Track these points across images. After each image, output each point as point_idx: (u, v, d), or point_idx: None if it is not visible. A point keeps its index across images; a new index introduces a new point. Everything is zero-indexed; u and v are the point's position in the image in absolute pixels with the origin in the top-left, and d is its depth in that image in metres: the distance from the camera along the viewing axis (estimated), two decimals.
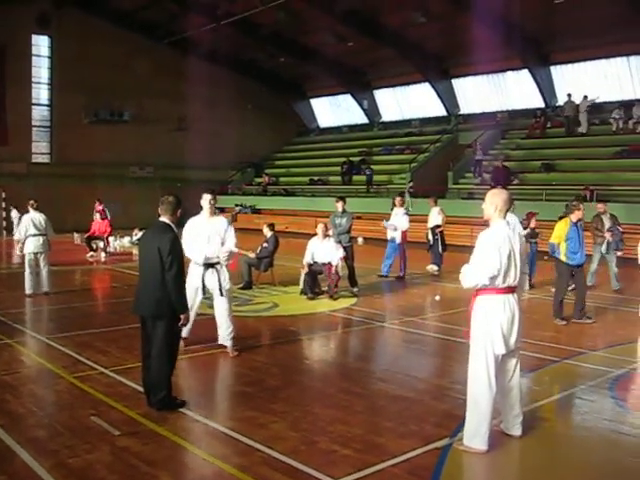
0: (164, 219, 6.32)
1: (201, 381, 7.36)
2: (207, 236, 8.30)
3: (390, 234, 15.60)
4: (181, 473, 5.03)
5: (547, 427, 5.89)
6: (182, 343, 8.34)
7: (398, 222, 15.38)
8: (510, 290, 5.28)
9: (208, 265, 8.27)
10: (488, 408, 5.24)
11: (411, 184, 27.13)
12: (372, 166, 32.17)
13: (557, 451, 5.44)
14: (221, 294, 8.30)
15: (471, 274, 5.22)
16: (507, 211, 5.38)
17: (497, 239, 5.19)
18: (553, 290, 13.58)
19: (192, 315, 8.02)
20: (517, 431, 5.52)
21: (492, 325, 5.23)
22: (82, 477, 4.80)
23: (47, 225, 12.90)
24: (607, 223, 13.90)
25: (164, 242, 6.05)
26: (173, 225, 6.34)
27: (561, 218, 11.21)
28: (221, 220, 8.67)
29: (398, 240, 15.36)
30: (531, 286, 13.75)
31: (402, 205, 15.98)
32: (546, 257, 19.01)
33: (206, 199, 8.45)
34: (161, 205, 6.34)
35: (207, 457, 5.16)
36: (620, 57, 26.72)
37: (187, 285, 7.95)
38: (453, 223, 22.24)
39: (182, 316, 6.16)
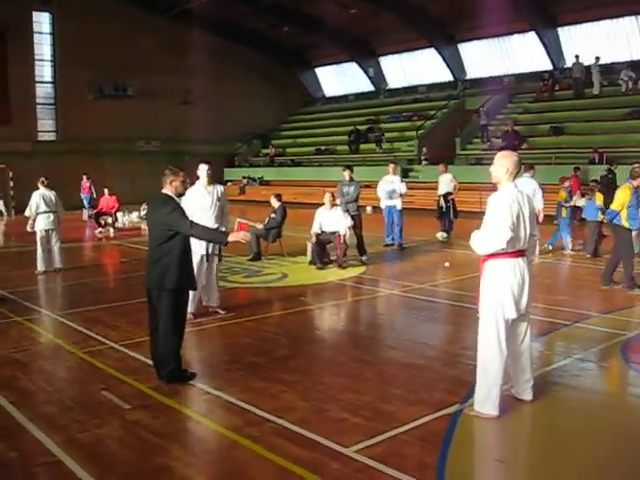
0: (165, 190, 6.29)
1: (211, 352, 7.35)
2: (208, 205, 8.56)
3: (390, 202, 15.22)
4: (192, 445, 5.03)
5: (558, 391, 5.85)
6: (190, 315, 8.40)
7: (399, 188, 15.19)
8: (520, 254, 5.21)
9: None
10: (499, 373, 5.20)
11: (424, 150, 26.97)
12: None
13: (568, 415, 5.42)
14: (220, 259, 8.78)
15: (488, 241, 5.15)
16: (517, 174, 5.28)
17: (507, 201, 5.11)
18: (586, 256, 13.57)
19: (199, 286, 8.10)
20: (528, 396, 5.49)
21: (502, 290, 5.17)
22: (93, 452, 4.80)
23: (57, 202, 12.90)
24: None
25: (168, 214, 6.02)
26: (174, 195, 6.30)
27: (595, 181, 10.95)
28: (219, 188, 8.87)
29: (399, 207, 15.17)
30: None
31: (396, 172, 15.79)
32: (556, 222, 18.99)
33: (203, 169, 8.67)
34: (164, 176, 6.31)
35: (218, 428, 5.15)
36: (628, 16, 26.31)
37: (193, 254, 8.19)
38: (462, 189, 22.07)
39: (231, 237, 6.24)
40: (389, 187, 15.21)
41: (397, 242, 15.24)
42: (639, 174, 10.31)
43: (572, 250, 14.19)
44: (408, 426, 5.08)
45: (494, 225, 5.09)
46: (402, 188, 15.27)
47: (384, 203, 15.35)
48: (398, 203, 15.19)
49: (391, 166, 15.78)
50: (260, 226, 14.05)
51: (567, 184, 14.72)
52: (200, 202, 8.52)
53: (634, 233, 11.03)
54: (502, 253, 5.13)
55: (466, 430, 5.09)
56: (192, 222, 6.19)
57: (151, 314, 6.26)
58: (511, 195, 5.17)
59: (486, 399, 5.22)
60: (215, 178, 8.94)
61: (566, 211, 14.56)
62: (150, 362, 6.45)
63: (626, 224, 10.13)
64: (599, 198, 13.22)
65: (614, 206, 10.21)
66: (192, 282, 6.45)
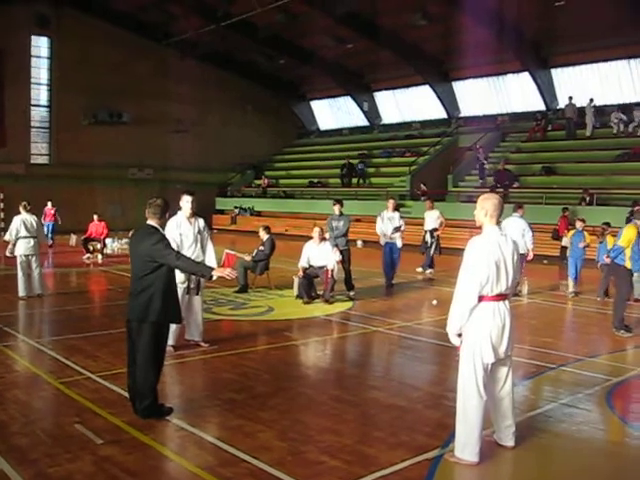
0: (151, 222, 6.19)
1: (189, 387, 7.21)
2: (190, 237, 8.55)
3: (390, 240, 14.63)
4: None
5: (541, 437, 5.73)
6: (171, 348, 8.28)
7: (400, 224, 14.67)
8: (500, 297, 5.13)
9: None
10: (478, 418, 5.08)
11: (424, 187, 26.98)
12: (372, 169, 32.20)
13: (550, 463, 5.30)
14: (197, 293, 8.56)
15: (462, 297, 5.07)
16: (498, 216, 5.20)
17: (484, 249, 5.07)
18: (569, 295, 13.53)
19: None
20: (510, 442, 5.37)
21: (481, 334, 5.09)
22: None
23: (38, 227, 12.78)
24: None
25: (153, 245, 5.92)
26: (160, 228, 6.22)
27: (606, 224, 10.91)
28: (201, 221, 8.83)
29: (400, 244, 14.66)
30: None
31: (396, 208, 15.16)
32: (545, 261, 18.95)
33: (186, 200, 8.61)
34: (148, 208, 6.22)
35: (191, 468, 5.01)
36: (621, 60, 26.61)
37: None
38: (452, 226, 22.16)
39: (216, 272, 6.17)
40: (389, 225, 14.62)
41: (389, 282, 14.74)
42: None
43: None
44: (387, 471, 4.96)
45: (466, 279, 5.06)
46: (402, 225, 14.76)
47: (384, 240, 14.71)
48: (398, 240, 14.64)
49: (391, 202, 15.22)
50: (248, 258, 13.96)
51: (579, 225, 14.42)
52: (183, 233, 8.51)
53: (635, 275, 11.00)
54: (482, 296, 5.06)
55: (445, 477, 4.96)
56: (178, 253, 6.11)
57: (130, 346, 6.14)
58: (491, 241, 5.12)
59: (466, 445, 5.11)
60: (197, 210, 8.86)
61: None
62: (127, 395, 6.31)
63: (628, 264, 10.09)
64: (610, 241, 13.17)
65: (621, 243, 10.16)
66: (177, 315, 6.33)
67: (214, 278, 6.30)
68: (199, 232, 8.64)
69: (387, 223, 14.67)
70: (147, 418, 5.93)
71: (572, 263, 14.23)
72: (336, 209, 13.48)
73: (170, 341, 8.33)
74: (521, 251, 12.87)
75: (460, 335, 5.18)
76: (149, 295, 5.93)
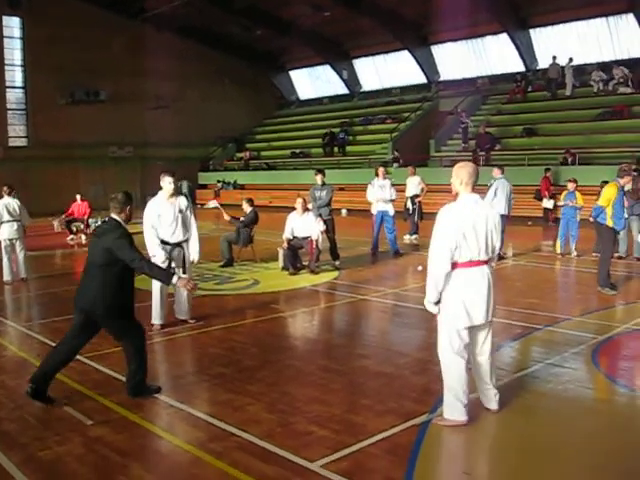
0: (114, 216, 6.10)
1: (177, 364, 7.19)
2: (170, 217, 8.40)
3: (383, 207, 14.50)
4: (154, 462, 4.89)
5: (528, 398, 5.79)
6: (158, 326, 8.28)
7: (390, 193, 14.54)
8: (474, 264, 5.13)
9: (175, 244, 8.44)
10: (459, 380, 5.13)
11: (397, 153, 26.92)
12: (353, 137, 32.08)
13: (536, 424, 5.33)
14: (184, 272, 8.42)
15: (433, 265, 5.13)
16: (474, 184, 5.22)
17: (453, 216, 5.11)
18: (557, 255, 13.59)
19: (160, 298, 8.38)
20: (493, 405, 5.42)
21: (454, 300, 5.13)
22: (52, 470, 4.66)
23: (22, 211, 12.65)
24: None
25: (117, 239, 5.83)
26: (123, 222, 6.11)
27: (605, 182, 10.95)
28: (182, 200, 8.67)
29: (392, 212, 14.52)
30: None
31: (385, 176, 15.03)
32: (529, 222, 19.03)
33: (167, 180, 8.48)
34: (111, 202, 6.10)
35: (181, 444, 5.02)
36: (599, 18, 26.53)
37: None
38: (436, 191, 22.16)
39: (175, 282, 6.09)
40: (381, 192, 14.50)
41: (393, 249, 14.64)
42: (627, 172, 10.32)
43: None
44: (376, 438, 4.99)
45: (436, 246, 5.12)
46: (393, 194, 14.61)
47: (375, 208, 14.61)
48: (390, 208, 14.51)
49: (380, 170, 15.02)
50: (227, 217, 13.82)
51: (571, 186, 14.20)
52: (162, 214, 8.41)
53: (621, 233, 11.04)
54: (455, 263, 5.09)
55: (434, 442, 5.00)
56: (141, 256, 5.92)
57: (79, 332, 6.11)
58: (461, 208, 5.16)
59: (453, 406, 5.17)
60: (177, 190, 8.79)
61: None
62: (115, 375, 6.32)
63: (610, 223, 10.12)
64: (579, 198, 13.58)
65: (600, 202, 10.20)
66: (124, 312, 6.06)
67: (172, 284, 6.20)
68: (180, 212, 8.49)
69: (378, 190, 14.55)
70: (136, 397, 5.95)
71: (563, 224, 14.17)
72: (318, 179, 13.43)
73: (158, 320, 8.36)
74: (503, 212, 12.97)
75: (438, 303, 5.21)
76: (101, 290, 5.84)
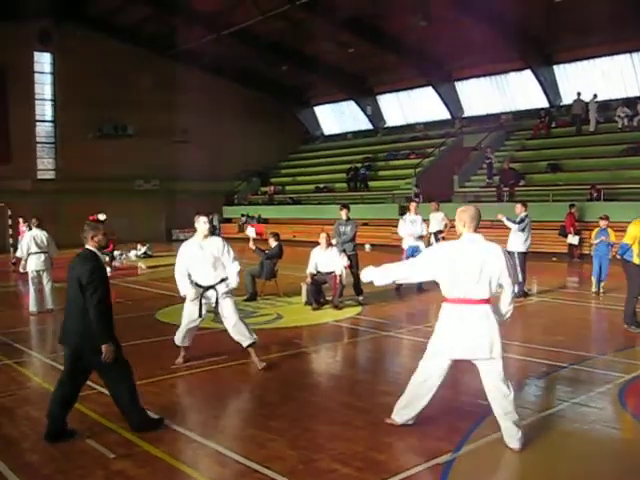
0: (88, 246, 6.07)
1: (200, 398, 7.18)
2: (201, 259, 8.16)
3: (414, 242, 14.61)
4: None
5: (553, 438, 5.70)
6: (181, 360, 8.29)
7: (421, 229, 14.73)
8: (462, 301, 5.38)
9: (207, 287, 8.18)
10: (415, 394, 5.83)
11: (417, 189, 26.92)
12: (376, 172, 32.22)
13: (562, 464, 5.25)
14: (215, 313, 8.36)
15: (409, 264, 6.06)
16: (476, 226, 5.50)
17: (441, 249, 5.75)
18: (592, 293, 13.38)
19: (185, 329, 8.36)
20: (515, 444, 5.37)
21: (437, 330, 5.65)
22: None
23: (49, 242, 12.84)
24: None
25: (83, 272, 5.80)
26: (97, 251, 6.09)
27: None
28: (216, 242, 8.35)
29: (423, 247, 14.28)
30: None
31: (417, 211, 15.07)
32: (554, 258, 18.86)
33: (201, 221, 8.25)
34: (82, 233, 6.08)
35: None
36: (623, 54, 26.56)
37: (186, 304, 8.30)
38: None
39: (103, 347, 5.79)
40: (412, 227, 14.62)
41: (417, 285, 14.37)
42: None
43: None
44: (399, 476, 4.95)
45: (420, 256, 6.12)
46: (424, 229, 14.79)
47: (407, 244, 14.69)
48: (421, 244, 14.59)
49: (412, 205, 15.15)
50: (252, 246, 13.87)
51: (603, 224, 13.97)
52: (195, 257, 8.22)
53: None
54: (445, 298, 5.55)
55: None
56: (100, 298, 5.79)
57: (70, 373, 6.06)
58: (453, 245, 5.59)
59: (398, 410, 5.92)
60: (211, 230, 8.69)
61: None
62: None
63: (637, 260, 9.99)
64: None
65: (626, 240, 10.08)
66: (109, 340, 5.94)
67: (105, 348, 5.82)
68: (212, 255, 8.16)
69: (409, 225, 14.72)
70: (141, 432, 5.92)
71: (596, 262, 13.84)
72: (343, 214, 13.46)
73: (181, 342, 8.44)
74: (524, 249, 12.96)
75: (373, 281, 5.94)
76: (84, 323, 5.82)
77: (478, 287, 5.30)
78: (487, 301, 5.33)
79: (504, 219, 13.31)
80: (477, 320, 5.31)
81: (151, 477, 5.08)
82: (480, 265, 5.29)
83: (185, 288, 8.22)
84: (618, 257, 10.74)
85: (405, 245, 14.79)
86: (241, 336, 8.18)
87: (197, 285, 8.19)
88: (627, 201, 20.18)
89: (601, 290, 13.64)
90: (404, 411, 5.91)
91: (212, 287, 8.15)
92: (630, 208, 17.59)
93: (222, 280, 8.17)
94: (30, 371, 8.46)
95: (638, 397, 7.15)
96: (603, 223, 13.92)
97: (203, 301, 8.18)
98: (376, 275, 5.83)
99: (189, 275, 8.22)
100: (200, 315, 8.22)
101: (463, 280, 5.31)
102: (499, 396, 5.40)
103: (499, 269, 5.31)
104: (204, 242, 8.22)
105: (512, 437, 5.37)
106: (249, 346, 8.21)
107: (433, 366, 5.69)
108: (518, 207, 13.53)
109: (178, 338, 8.47)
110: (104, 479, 5.05)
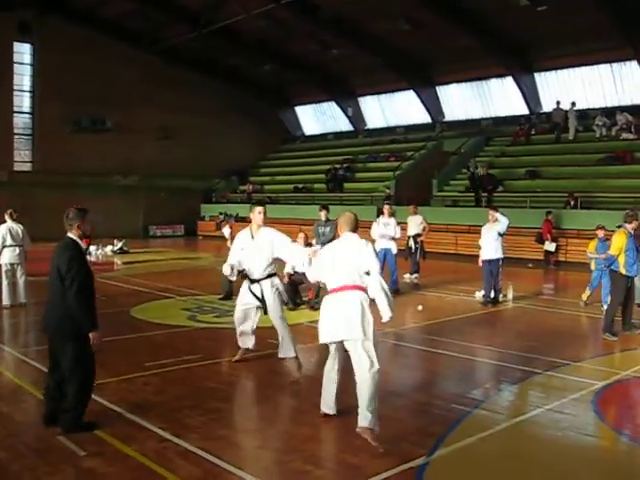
0: (69, 234, 6.03)
1: (173, 397, 7.08)
2: (252, 250, 8.02)
3: (386, 244, 14.47)
4: None
5: (526, 444, 5.72)
6: (237, 357, 8.37)
7: (394, 232, 14.54)
8: (337, 290, 5.93)
9: (253, 281, 8.05)
10: (325, 380, 6.25)
11: (388, 191, 26.88)
12: (356, 174, 32.24)
13: (534, 470, 5.27)
14: (265, 312, 8.19)
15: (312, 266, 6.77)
16: (350, 229, 6.14)
17: (324, 255, 6.35)
18: (582, 302, 13.28)
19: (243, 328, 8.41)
20: (361, 421, 5.61)
21: (320, 318, 6.08)
22: None
23: (24, 236, 12.67)
24: None
25: (62, 261, 5.80)
26: (78, 240, 6.04)
27: (618, 227, 10.80)
28: (267, 232, 8.16)
29: (395, 250, 14.55)
30: None
31: (391, 214, 14.96)
32: (530, 265, 19.02)
33: (258, 211, 8.13)
34: (65, 220, 6.04)
35: None
36: (604, 64, 26.81)
37: (239, 298, 8.34)
38: (437, 231, 22.22)
39: (91, 335, 5.82)
40: (384, 230, 14.52)
41: (392, 287, 13.99)
42: (634, 218, 10.29)
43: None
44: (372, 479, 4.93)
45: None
46: (398, 232, 14.60)
47: (379, 246, 14.33)
48: (393, 246, 14.52)
49: (386, 208, 15.08)
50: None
51: (601, 234, 12.79)
52: (243, 248, 8.10)
53: (636, 280, 10.90)
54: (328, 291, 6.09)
55: None
56: (80, 287, 5.78)
57: (50, 357, 6.07)
58: (333, 245, 6.40)
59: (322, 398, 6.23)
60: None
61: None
62: (111, 406, 6.25)
63: (623, 270, 10.08)
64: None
65: (612, 251, 10.18)
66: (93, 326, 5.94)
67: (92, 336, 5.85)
68: (263, 244, 8.00)
69: (382, 228, 14.60)
70: (69, 432, 5.82)
71: (597, 276, 12.80)
72: (322, 215, 13.36)
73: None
74: (497, 256, 13.02)
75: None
76: (64, 310, 5.80)
77: (349, 275, 5.89)
78: (359, 287, 5.89)
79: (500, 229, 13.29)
80: (349, 304, 5.80)
81: (121, 475, 5.02)
82: (350, 256, 5.96)
83: (227, 269, 8.11)
84: (605, 268, 10.84)
85: (377, 247, 14.61)
86: (282, 339, 8.23)
87: (246, 277, 8.10)
88: (603, 209, 20.35)
89: (586, 299, 13.21)
90: (323, 395, 6.26)
91: (257, 281, 8.00)
92: (606, 217, 17.72)
93: (269, 276, 8.03)
94: (1, 366, 8.34)
95: (611, 404, 7.20)
96: (601, 233, 12.79)
97: (249, 295, 8.10)
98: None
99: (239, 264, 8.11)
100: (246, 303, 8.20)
101: (339, 271, 5.95)
102: (365, 380, 5.66)
103: (364, 258, 5.93)
104: (257, 233, 8.13)
105: (361, 415, 5.62)
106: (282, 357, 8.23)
107: (329, 355, 6.21)
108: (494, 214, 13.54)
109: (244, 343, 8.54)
110: (74, 477, 4.99)
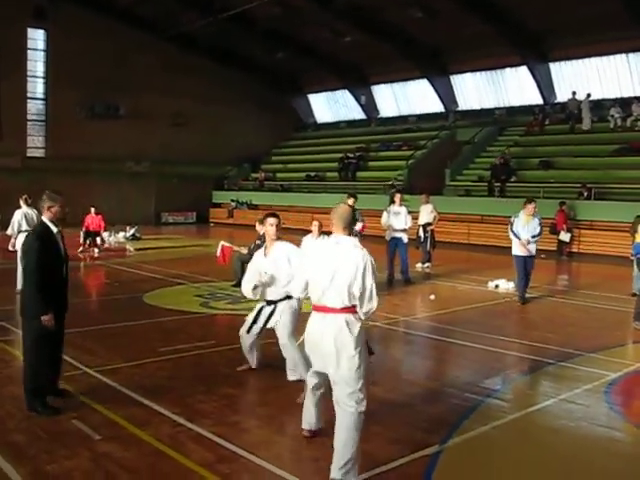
0: (44, 218, 6.13)
1: (187, 382, 7.12)
2: (270, 270, 6.89)
3: (397, 233, 14.37)
4: None
5: (539, 434, 5.72)
6: (244, 367, 7.64)
7: (405, 221, 14.42)
8: (321, 309, 4.82)
9: (269, 302, 7.13)
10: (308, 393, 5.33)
11: (396, 181, 26.80)
12: (369, 162, 32.16)
13: (547, 460, 5.27)
14: (260, 332, 7.29)
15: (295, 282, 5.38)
16: (344, 226, 4.90)
17: (310, 255, 5.07)
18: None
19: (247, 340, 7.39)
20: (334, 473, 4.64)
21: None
22: None
23: (39, 220, 12.70)
24: None
25: (21, 247, 5.97)
26: (49, 223, 6.07)
27: (638, 217, 10.65)
28: (283, 247, 7.01)
29: (406, 239, 14.42)
30: None
31: (402, 203, 14.80)
32: (543, 255, 18.93)
33: (270, 223, 7.02)
34: (40, 202, 6.18)
35: (189, 464, 4.98)
36: (619, 54, 26.61)
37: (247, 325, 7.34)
38: (450, 220, 22.17)
39: (43, 317, 5.85)
40: (395, 219, 14.36)
41: (404, 276, 14.45)
42: None
43: None
44: (386, 467, 4.95)
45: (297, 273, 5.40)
46: (408, 221, 14.47)
47: (390, 235, 14.45)
48: (404, 235, 14.41)
49: (397, 196, 14.88)
50: (244, 251, 13.82)
51: None
52: (260, 265, 7.03)
53: (636, 270, 10.83)
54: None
55: (444, 474, 4.94)
56: (30, 272, 5.83)
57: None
58: (320, 244, 5.28)
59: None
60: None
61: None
62: (124, 390, 6.30)
63: None
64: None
65: (638, 239, 10.07)
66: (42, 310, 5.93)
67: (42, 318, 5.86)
68: (278, 259, 6.89)
69: (392, 217, 14.44)
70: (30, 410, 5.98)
71: None
72: (350, 202, 12.94)
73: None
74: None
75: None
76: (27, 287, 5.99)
77: (329, 294, 4.74)
78: (343, 310, 4.73)
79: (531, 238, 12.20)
80: (328, 332, 4.74)
81: (137, 460, 5.05)
82: (333, 271, 4.72)
83: (246, 290, 7.13)
84: (632, 258, 10.70)
85: (388, 237, 14.57)
86: (290, 361, 7.06)
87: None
88: (617, 201, 20.24)
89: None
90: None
91: (274, 302, 7.06)
92: (620, 208, 17.67)
93: (286, 297, 6.92)
94: (17, 350, 8.38)
95: (624, 395, 7.19)
96: None
97: (259, 317, 7.19)
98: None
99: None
100: (248, 331, 7.27)
101: (316, 284, 4.82)
102: (339, 426, 4.77)
103: (352, 278, 4.68)
104: (270, 249, 7.05)
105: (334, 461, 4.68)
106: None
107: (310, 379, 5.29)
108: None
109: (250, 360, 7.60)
110: (90, 461, 5.02)
